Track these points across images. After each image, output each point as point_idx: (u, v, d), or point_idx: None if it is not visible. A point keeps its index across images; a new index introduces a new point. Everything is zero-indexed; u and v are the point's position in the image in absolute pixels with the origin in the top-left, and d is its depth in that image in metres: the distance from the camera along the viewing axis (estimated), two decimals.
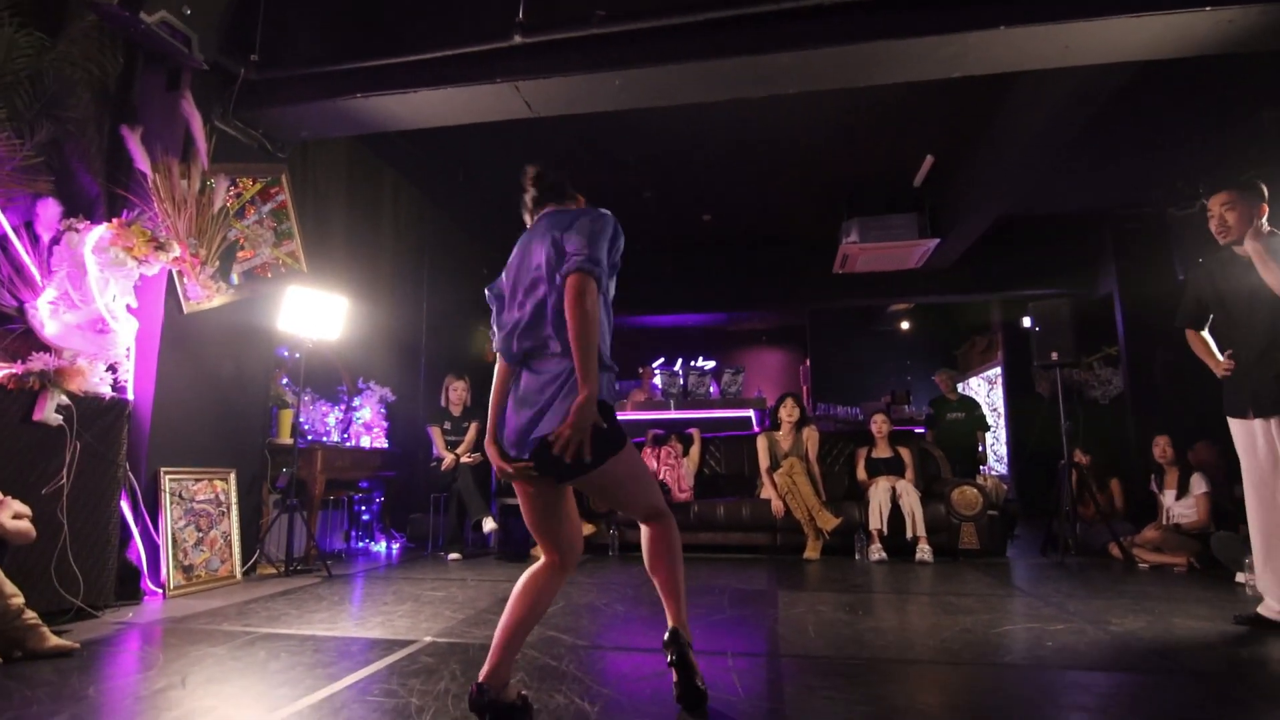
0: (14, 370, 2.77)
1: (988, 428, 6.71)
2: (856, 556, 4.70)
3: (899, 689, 2.04)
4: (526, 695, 1.80)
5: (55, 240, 3.15)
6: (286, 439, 4.27)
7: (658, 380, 6.97)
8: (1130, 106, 4.76)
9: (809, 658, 2.32)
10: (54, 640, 2.30)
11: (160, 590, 3.29)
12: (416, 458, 5.77)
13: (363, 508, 5.41)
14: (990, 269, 7.60)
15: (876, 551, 4.60)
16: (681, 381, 6.77)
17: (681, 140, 5.77)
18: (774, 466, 5.02)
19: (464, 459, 5.01)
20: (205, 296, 3.69)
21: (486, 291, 1.90)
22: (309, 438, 4.62)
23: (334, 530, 5.08)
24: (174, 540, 3.40)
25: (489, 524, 4.74)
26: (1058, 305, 5.07)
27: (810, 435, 5.14)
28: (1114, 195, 6.53)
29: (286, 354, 4.68)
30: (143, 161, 3.47)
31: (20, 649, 2.25)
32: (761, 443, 5.21)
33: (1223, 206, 2.79)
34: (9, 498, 2.43)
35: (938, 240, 6.48)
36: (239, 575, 3.71)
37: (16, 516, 2.39)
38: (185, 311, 3.63)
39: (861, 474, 5.18)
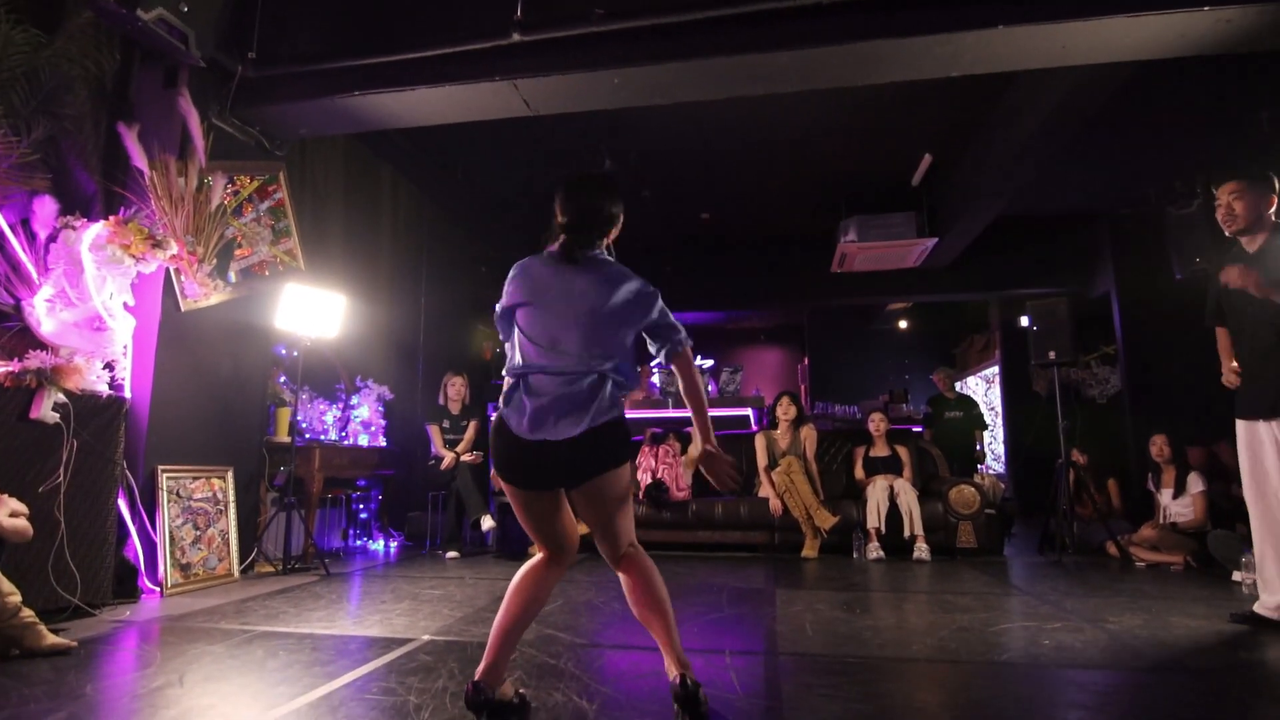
0: (11, 368, 2.76)
1: (985, 426, 6.72)
2: (854, 555, 4.71)
3: (896, 687, 2.04)
4: (524, 693, 1.80)
5: (52, 238, 3.14)
6: (284, 437, 4.27)
7: (656, 379, 6.97)
8: (1128, 106, 4.77)
9: (806, 656, 2.33)
10: (51, 638, 2.29)
11: (158, 588, 3.29)
12: (415, 456, 5.77)
13: (360, 506, 5.40)
14: (988, 268, 7.61)
15: (874, 550, 4.60)
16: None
17: (680, 139, 5.77)
18: (772, 465, 5.03)
19: (463, 458, 5.01)
20: (203, 294, 3.68)
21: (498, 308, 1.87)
22: (307, 436, 4.62)
23: (332, 528, 5.07)
24: (171, 538, 3.40)
25: (487, 522, 4.74)
26: (1055, 304, 5.08)
27: (808, 434, 5.14)
28: (1112, 194, 6.53)
29: (284, 352, 4.67)
30: (140, 159, 3.46)
31: (17, 647, 2.24)
32: (759, 441, 5.21)
33: (1230, 195, 2.71)
34: (6, 496, 2.42)
35: (936, 239, 6.48)
36: (236, 573, 3.70)
37: (13, 514, 2.38)
38: (182, 309, 3.62)
39: (859, 473, 5.19)
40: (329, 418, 4.89)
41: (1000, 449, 9.46)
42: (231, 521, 3.76)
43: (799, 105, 5.12)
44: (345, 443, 4.95)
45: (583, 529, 1.92)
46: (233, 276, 3.92)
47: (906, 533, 4.67)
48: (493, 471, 5.33)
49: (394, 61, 3.69)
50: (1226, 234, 2.77)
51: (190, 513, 3.54)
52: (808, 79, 3.63)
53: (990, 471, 8.08)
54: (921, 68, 3.48)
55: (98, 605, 2.92)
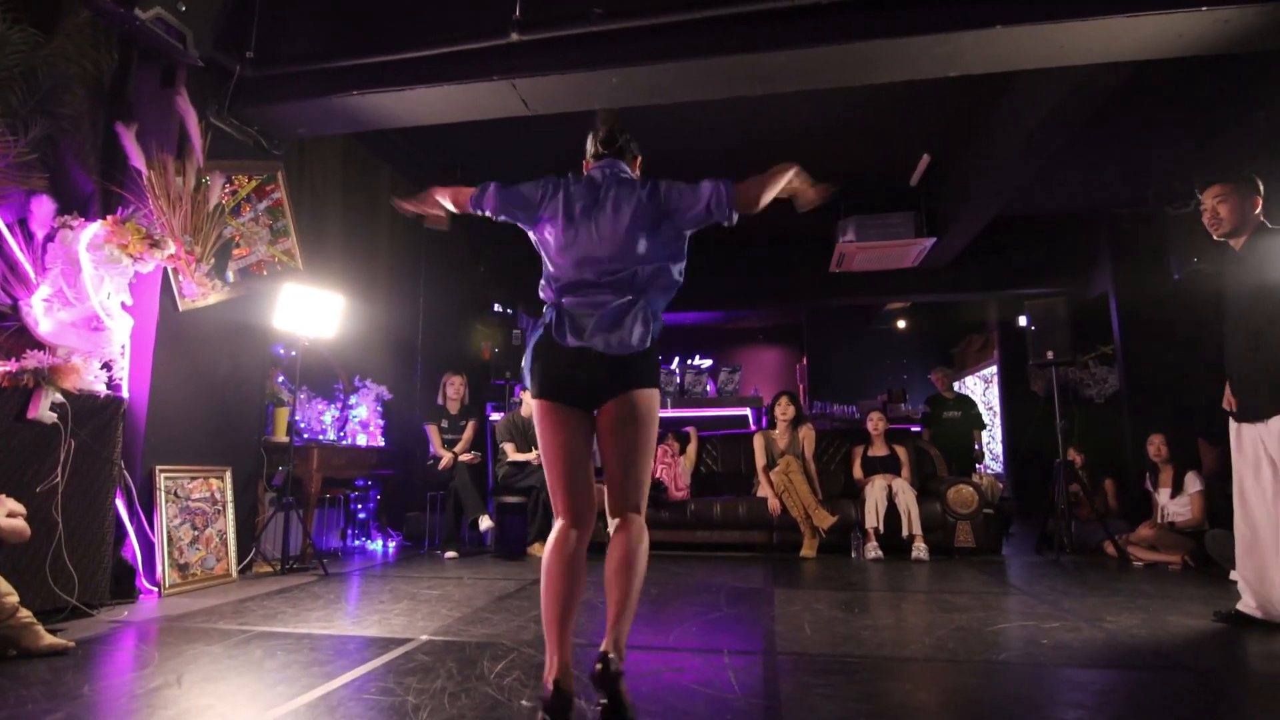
0: (8, 368, 2.75)
1: (984, 426, 6.72)
2: (852, 554, 4.71)
3: (895, 686, 2.04)
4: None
5: (49, 237, 3.13)
6: (282, 437, 4.27)
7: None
8: (1126, 106, 4.78)
9: (805, 655, 2.33)
10: (48, 639, 2.29)
11: (155, 589, 3.28)
12: (413, 456, 5.77)
13: (359, 506, 5.40)
14: (986, 268, 7.62)
15: (872, 550, 4.61)
16: (678, 379, 6.77)
17: (678, 138, 5.76)
18: (770, 465, 5.03)
19: (462, 458, 5.01)
20: (200, 294, 3.68)
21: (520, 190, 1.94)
22: (305, 436, 4.62)
23: (330, 529, 5.07)
24: (169, 538, 3.39)
25: (485, 522, 4.74)
26: (1053, 304, 5.08)
27: (807, 434, 5.15)
28: (1110, 195, 6.54)
29: (282, 352, 4.66)
30: (137, 158, 3.46)
31: (14, 648, 2.24)
32: (758, 441, 5.22)
33: (1215, 199, 2.76)
34: (3, 496, 2.41)
35: (934, 239, 6.49)
36: (235, 574, 3.70)
37: (11, 515, 2.37)
38: (180, 309, 3.62)
39: (858, 472, 5.19)
40: (327, 418, 4.88)
41: (998, 449, 9.47)
42: (229, 522, 3.76)
43: (798, 105, 5.12)
44: (343, 443, 4.94)
45: None
46: (231, 276, 3.92)
47: (905, 532, 4.67)
48: (490, 470, 5.33)
49: (392, 61, 3.69)
50: (1214, 237, 2.82)
51: (188, 513, 3.53)
52: (806, 79, 3.64)
53: (988, 471, 8.09)
54: (920, 68, 3.48)
55: (95, 605, 2.91)
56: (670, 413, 6.22)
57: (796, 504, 4.76)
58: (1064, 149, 5.00)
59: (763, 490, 5.01)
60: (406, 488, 5.76)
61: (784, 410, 5.19)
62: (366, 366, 5.34)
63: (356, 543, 5.28)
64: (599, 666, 1.57)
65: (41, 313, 3.01)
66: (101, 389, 3.10)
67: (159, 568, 3.30)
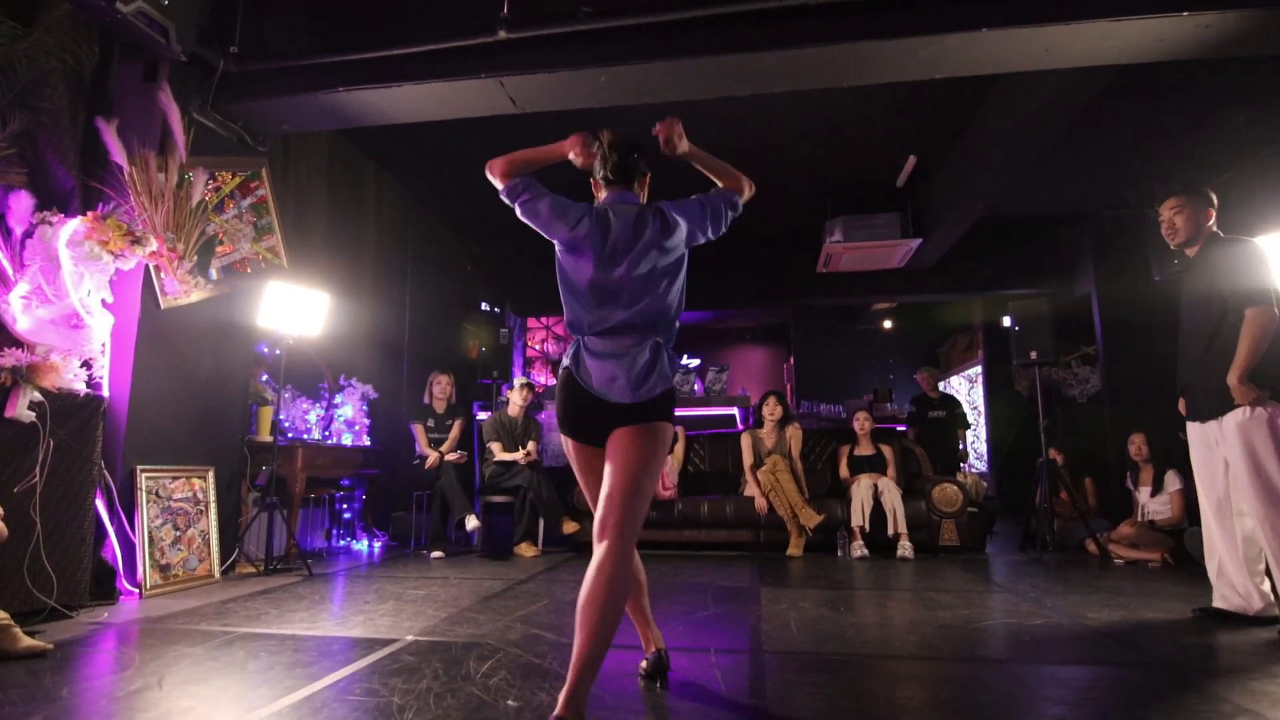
0: None
1: (968, 426, 6.78)
2: (839, 553, 4.74)
3: (880, 684, 2.06)
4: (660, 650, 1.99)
5: (28, 234, 3.08)
6: (266, 436, 4.23)
7: None
8: (1109, 109, 4.83)
9: (791, 653, 2.34)
10: (26, 641, 2.25)
11: (136, 590, 3.24)
12: (399, 455, 5.73)
13: (344, 506, 5.36)
14: (971, 269, 7.68)
15: (858, 548, 4.64)
16: None
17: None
18: (758, 464, 5.05)
19: (448, 457, 4.98)
20: (183, 292, 3.63)
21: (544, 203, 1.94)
22: (289, 435, 4.58)
23: (315, 529, 5.03)
24: (150, 539, 3.35)
25: (472, 522, 4.73)
26: (1037, 305, 5.13)
27: (793, 433, 5.17)
28: (1093, 197, 6.61)
29: (266, 350, 4.62)
30: (119, 154, 3.41)
31: None
32: (745, 440, 5.23)
33: (1171, 210, 2.89)
34: None
35: (920, 240, 6.53)
36: (217, 574, 3.66)
37: None
38: (162, 307, 3.58)
39: (844, 471, 5.22)
40: (312, 417, 4.84)
41: (983, 448, 9.56)
42: (212, 522, 3.72)
43: (785, 106, 5.14)
44: (329, 442, 4.90)
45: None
46: (214, 274, 3.88)
47: (890, 531, 4.70)
48: (477, 470, 5.30)
49: (379, 57, 3.66)
50: (1171, 246, 2.94)
51: (170, 513, 3.49)
52: (794, 79, 3.65)
53: (973, 470, 8.17)
54: (907, 69, 3.51)
55: (75, 607, 2.87)
56: None
57: (783, 503, 4.78)
58: (1048, 152, 5.05)
59: (750, 489, 5.03)
60: (392, 487, 5.72)
61: (771, 410, 5.21)
62: (352, 365, 5.31)
63: (341, 543, 5.25)
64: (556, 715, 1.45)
65: (19, 310, 2.96)
66: (81, 388, 3.06)
67: (140, 569, 3.26)
